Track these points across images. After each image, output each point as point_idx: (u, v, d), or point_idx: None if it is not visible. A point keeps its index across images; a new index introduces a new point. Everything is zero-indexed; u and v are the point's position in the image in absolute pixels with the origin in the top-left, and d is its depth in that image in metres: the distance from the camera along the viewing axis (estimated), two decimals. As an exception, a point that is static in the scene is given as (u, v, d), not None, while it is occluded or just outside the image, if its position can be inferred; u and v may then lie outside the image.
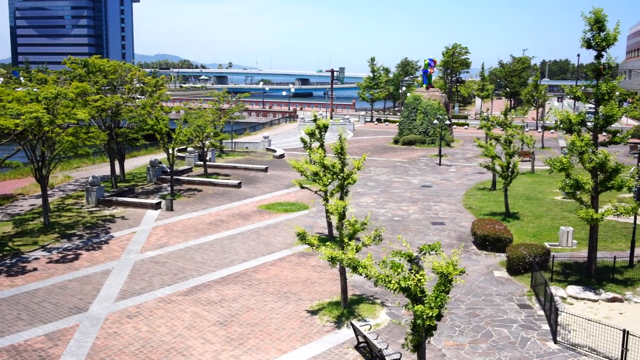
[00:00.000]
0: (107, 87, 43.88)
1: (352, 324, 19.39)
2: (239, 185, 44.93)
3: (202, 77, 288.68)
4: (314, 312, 22.07)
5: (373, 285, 16.17)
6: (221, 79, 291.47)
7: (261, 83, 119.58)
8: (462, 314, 22.07)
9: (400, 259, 15.21)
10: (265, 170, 52.03)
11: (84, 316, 21.52)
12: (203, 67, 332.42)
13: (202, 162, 50.91)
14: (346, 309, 22.07)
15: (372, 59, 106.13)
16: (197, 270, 26.57)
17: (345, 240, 20.42)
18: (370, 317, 21.68)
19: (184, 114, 47.73)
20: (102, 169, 52.22)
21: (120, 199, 38.59)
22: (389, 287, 14.92)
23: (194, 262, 27.78)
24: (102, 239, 31.11)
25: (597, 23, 24.14)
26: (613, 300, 23.34)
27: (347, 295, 22.35)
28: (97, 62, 42.84)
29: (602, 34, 24.26)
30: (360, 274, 16.75)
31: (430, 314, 14.20)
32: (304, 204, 39.64)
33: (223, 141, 57.74)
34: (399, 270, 14.87)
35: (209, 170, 51.01)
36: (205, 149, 49.76)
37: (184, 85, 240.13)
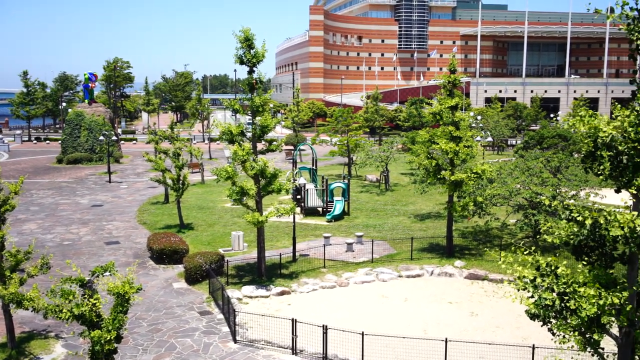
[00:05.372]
0: None
1: (22, 365, 17.52)
2: None
3: None
4: (-27, 361, 19.33)
5: (43, 318, 14.87)
6: None
7: None
8: (145, 332, 21.76)
9: (71, 285, 14.31)
10: None
11: None
12: None
13: None
14: (14, 349, 19.83)
15: (25, 73, 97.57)
16: None
17: (7, 273, 18.36)
18: (44, 353, 19.87)
19: None
20: None
21: None
22: (61, 318, 13.90)
23: None
24: None
25: (247, 41, 26.15)
26: (282, 293, 25.64)
27: (14, 334, 20.08)
28: None
29: (252, 51, 26.33)
30: (27, 308, 15.27)
31: (108, 338, 13.66)
32: (-49, 239, 34.35)
33: None
34: (71, 297, 13.97)
35: None
36: None
37: None
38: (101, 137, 61.12)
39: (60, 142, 73.86)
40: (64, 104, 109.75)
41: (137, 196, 48.18)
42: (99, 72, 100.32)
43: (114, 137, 67.64)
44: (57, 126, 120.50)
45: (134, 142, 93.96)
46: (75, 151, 67.77)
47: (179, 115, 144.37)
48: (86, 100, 72.84)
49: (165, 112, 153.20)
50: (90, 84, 73.55)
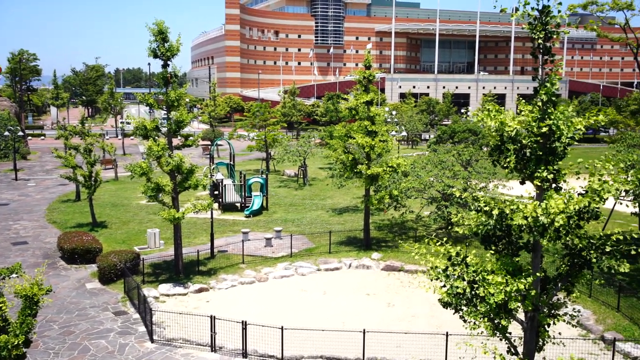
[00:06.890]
0: None
1: None
2: None
3: None
4: None
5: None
6: None
7: None
8: (56, 334, 20.94)
9: (-26, 289, 13.54)
10: None
11: None
12: None
13: None
14: None
15: None
16: None
17: None
18: (-56, 362, 18.73)
19: None
20: None
21: None
22: (-37, 324, 13.12)
23: None
24: None
25: (161, 34, 25.52)
26: (200, 290, 25.32)
27: None
28: None
29: (166, 44, 25.75)
30: None
31: (16, 343, 13.03)
32: None
33: None
34: (-26, 301, 13.22)
35: None
36: None
37: None
38: (6, 133, 58.07)
39: (-41, 138, 69.52)
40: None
41: (46, 194, 46.12)
42: (2, 65, 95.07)
43: (21, 133, 64.36)
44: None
45: (42, 137, 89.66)
46: (-23, 147, 64.01)
47: (90, 110, 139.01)
48: (-13, 94, 68.94)
49: (75, 106, 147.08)
50: (-8, 77, 69.68)
